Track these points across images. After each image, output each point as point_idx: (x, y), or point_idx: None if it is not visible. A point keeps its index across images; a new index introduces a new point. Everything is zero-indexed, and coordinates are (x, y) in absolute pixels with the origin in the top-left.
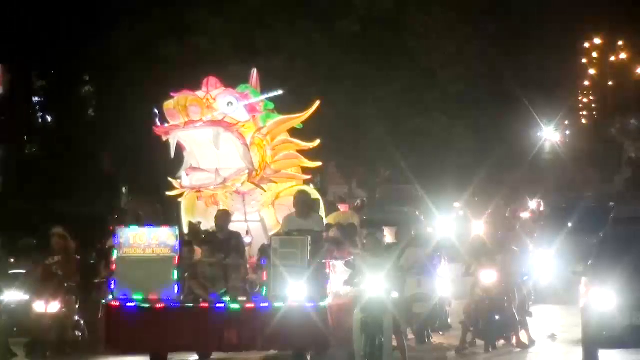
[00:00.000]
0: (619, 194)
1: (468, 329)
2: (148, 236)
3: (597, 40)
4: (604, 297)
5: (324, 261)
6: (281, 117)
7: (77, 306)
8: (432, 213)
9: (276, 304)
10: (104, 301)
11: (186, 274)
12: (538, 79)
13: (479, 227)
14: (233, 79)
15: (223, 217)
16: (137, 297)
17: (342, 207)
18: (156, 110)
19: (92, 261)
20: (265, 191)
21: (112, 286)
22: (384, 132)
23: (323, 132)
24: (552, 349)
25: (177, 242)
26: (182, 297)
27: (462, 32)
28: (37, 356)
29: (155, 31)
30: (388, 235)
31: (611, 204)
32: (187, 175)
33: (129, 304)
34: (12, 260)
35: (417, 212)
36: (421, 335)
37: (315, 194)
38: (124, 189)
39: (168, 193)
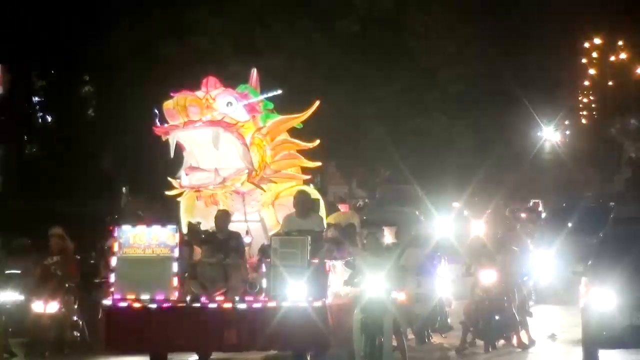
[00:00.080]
0: (619, 194)
1: (468, 329)
2: (148, 236)
3: (597, 40)
4: (604, 297)
5: (324, 261)
6: (281, 117)
7: (75, 306)
8: (432, 213)
9: (276, 304)
10: (104, 301)
11: (186, 274)
12: (538, 79)
13: (479, 227)
14: (233, 79)
15: (223, 217)
16: (137, 297)
17: (342, 207)
18: (156, 110)
19: (92, 261)
20: (265, 191)
21: (112, 286)
22: (384, 132)
23: (323, 132)
24: (552, 349)
25: (177, 242)
26: (181, 297)
27: (462, 32)
28: (36, 356)
29: (155, 31)
30: (388, 235)
31: (611, 204)
32: (187, 175)
33: (129, 304)
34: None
35: (417, 212)
36: (421, 336)
37: (315, 194)
38: (124, 189)
39: (167, 193)
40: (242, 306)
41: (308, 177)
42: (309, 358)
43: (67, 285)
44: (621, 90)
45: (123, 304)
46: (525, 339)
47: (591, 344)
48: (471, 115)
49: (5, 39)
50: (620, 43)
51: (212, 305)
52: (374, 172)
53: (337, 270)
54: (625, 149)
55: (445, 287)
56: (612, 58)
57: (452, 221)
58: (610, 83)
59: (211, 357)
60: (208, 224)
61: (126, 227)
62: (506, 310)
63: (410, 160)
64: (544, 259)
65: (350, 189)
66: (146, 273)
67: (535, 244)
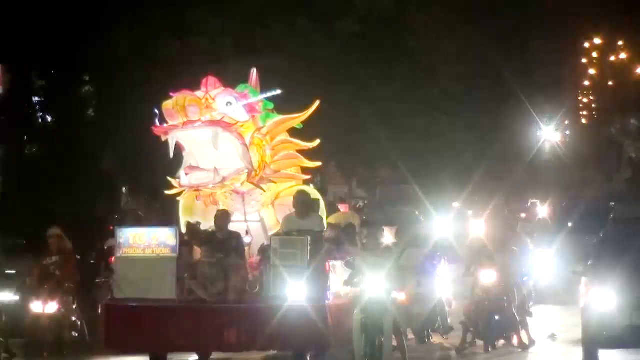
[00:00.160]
0: (619, 194)
1: (468, 329)
2: (148, 236)
3: (597, 40)
4: (604, 297)
5: (323, 261)
6: (281, 117)
7: (74, 306)
8: (432, 213)
9: (276, 304)
10: (103, 301)
11: (186, 274)
12: (538, 79)
13: (479, 227)
14: (233, 79)
15: (223, 217)
16: (137, 297)
17: (342, 207)
18: (156, 110)
19: (92, 261)
20: (264, 191)
21: (112, 286)
22: (384, 132)
23: (323, 132)
24: (552, 349)
25: (177, 242)
26: (181, 297)
27: (462, 32)
28: (35, 357)
29: (155, 31)
30: (388, 235)
31: (611, 204)
32: (186, 174)
33: (129, 304)
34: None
35: (416, 212)
36: (421, 336)
37: (315, 194)
38: (124, 189)
39: (167, 192)
40: (242, 306)
41: (308, 177)
42: (309, 358)
43: (66, 285)
44: (621, 90)
45: (123, 304)
46: (525, 339)
47: (591, 344)
48: (471, 115)
49: (5, 39)
50: (620, 43)
51: (212, 305)
52: (374, 172)
53: (337, 270)
54: (625, 149)
55: (445, 287)
56: (612, 58)
57: (451, 221)
58: (610, 83)
59: (211, 357)
60: (208, 224)
61: (126, 227)
62: (506, 311)
63: (410, 160)
64: (544, 258)
65: (350, 189)
66: (146, 273)
67: (535, 244)
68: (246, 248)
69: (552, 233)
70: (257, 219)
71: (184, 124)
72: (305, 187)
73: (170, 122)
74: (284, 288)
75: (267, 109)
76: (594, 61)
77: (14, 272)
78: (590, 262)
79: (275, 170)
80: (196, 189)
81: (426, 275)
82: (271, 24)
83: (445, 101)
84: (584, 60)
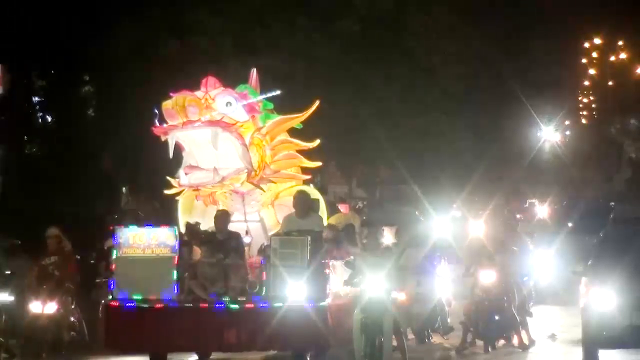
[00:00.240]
0: (619, 194)
1: (468, 329)
2: (147, 236)
3: (597, 40)
4: (604, 297)
5: (323, 261)
6: (281, 117)
7: (72, 307)
8: (431, 213)
9: (276, 304)
10: (103, 301)
11: (186, 274)
12: (538, 79)
13: (478, 227)
14: (233, 79)
15: (222, 217)
16: (137, 297)
17: (342, 208)
18: (155, 110)
19: (92, 261)
20: (264, 191)
21: (112, 286)
22: (384, 132)
23: (323, 132)
24: (552, 349)
25: (177, 242)
26: (181, 297)
27: (462, 32)
28: (33, 357)
29: (155, 31)
30: (388, 235)
31: (611, 204)
32: (186, 174)
33: (128, 304)
34: None
35: (416, 212)
36: (421, 336)
37: (315, 194)
38: (124, 189)
39: (166, 191)
40: (242, 306)
41: (308, 177)
42: (308, 358)
43: (65, 285)
44: (621, 90)
45: (123, 304)
46: (525, 339)
47: (591, 344)
48: (471, 115)
49: (5, 39)
50: (620, 43)
51: (212, 305)
52: (374, 172)
53: (337, 270)
54: (625, 149)
55: (445, 287)
56: (612, 58)
57: (450, 221)
58: (610, 83)
59: (211, 357)
60: (207, 224)
61: (126, 227)
62: (506, 311)
63: (409, 160)
64: (544, 258)
65: (350, 189)
66: (146, 273)
67: (535, 244)
68: (246, 248)
69: (552, 233)
70: (256, 219)
71: (184, 124)
72: (305, 187)
73: (170, 122)
74: (283, 288)
75: (267, 109)
76: (594, 61)
77: (8, 272)
78: (590, 262)
79: (275, 170)
80: (195, 188)
81: (426, 275)
82: (271, 24)
83: (445, 101)
84: (584, 60)
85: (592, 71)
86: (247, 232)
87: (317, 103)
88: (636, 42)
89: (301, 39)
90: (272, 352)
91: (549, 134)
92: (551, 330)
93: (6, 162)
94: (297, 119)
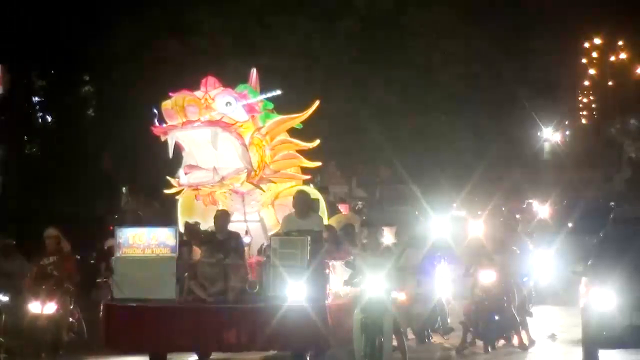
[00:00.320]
0: (619, 194)
1: (468, 329)
2: (147, 236)
3: (597, 40)
4: (604, 297)
5: (323, 261)
6: (280, 117)
7: (71, 307)
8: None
9: (276, 304)
10: (103, 301)
11: (185, 274)
12: (538, 79)
13: (478, 227)
14: (232, 79)
15: (222, 217)
16: (137, 297)
17: (342, 208)
18: (155, 110)
19: (92, 261)
20: (264, 191)
21: (112, 286)
22: (384, 132)
23: (323, 132)
24: (552, 349)
25: (176, 242)
26: (181, 297)
27: (462, 32)
28: (32, 357)
29: (155, 31)
30: (388, 235)
31: (611, 204)
32: (186, 173)
33: (128, 304)
34: None
35: (416, 212)
36: (421, 336)
37: (315, 194)
38: (124, 189)
39: (166, 191)
40: (241, 306)
41: (308, 177)
42: (308, 358)
43: (65, 286)
44: (621, 90)
45: (123, 304)
46: (525, 339)
47: (591, 344)
48: (471, 115)
49: (5, 39)
50: (620, 43)
51: (212, 305)
52: (374, 171)
53: (337, 270)
54: (625, 149)
55: (445, 287)
56: (612, 58)
57: (450, 221)
58: (610, 83)
59: (211, 357)
60: (207, 224)
61: (126, 227)
62: (506, 311)
63: (409, 160)
64: (544, 258)
65: (350, 189)
66: (146, 273)
67: (535, 244)
68: (246, 248)
69: (552, 233)
70: (256, 219)
71: (183, 124)
72: (305, 187)
73: (170, 122)
74: (283, 288)
75: (267, 109)
76: (594, 61)
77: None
78: (590, 262)
79: (274, 170)
80: (195, 188)
81: (426, 275)
82: (271, 24)
83: (445, 101)
84: (584, 60)
85: (592, 71)
86: (247, 232)
87: (317, 103)
88: (636, 42)
89: (301, 39)
90: (272, 352)
91: (549, 134)
92: (551, 330)
93: (6, 162)
94: (297, 119)
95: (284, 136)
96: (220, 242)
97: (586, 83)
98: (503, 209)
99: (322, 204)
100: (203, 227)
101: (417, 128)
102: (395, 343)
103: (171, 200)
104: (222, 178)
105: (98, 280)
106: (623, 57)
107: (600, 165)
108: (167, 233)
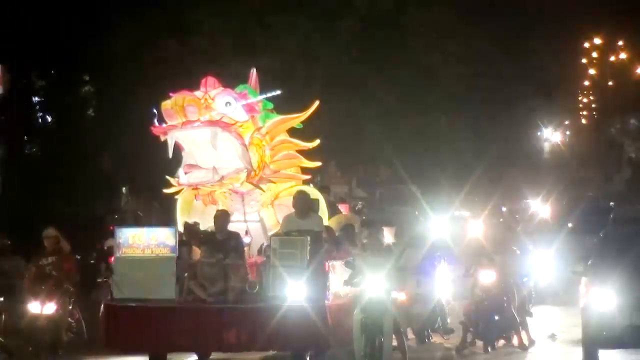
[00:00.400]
0: (619, 194)
1: (468, 329)
2: (147, 236)
3: (597, 40)
4: (604, 297)
5: (323, 261)
6: (280, 117)
7: (70, 307)
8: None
9: (276, 304)
10: (104, 301)
11: (185, 274)
12: (538, 79)
13: (477, 228)
14: (232, 79)
15: (222, 217)
16: (137, 297)
17: (342, 208)
18: (154, 110)
19: (92, 261)
20: (263, 191)
21: (112, 286)
22: (384, 132)
23: (323, 132)
24: (552, 349)
25: (176, 242)
26: (181, 297)
27: (462, 32)
28: (32, 357)
29: (155, 31)
30: (388, 235)
31: (611, 204)
32: (185, 173)
33: (128, 304)
34: None
35: (416, 212)
36: (421, 335)
37: (315, 194)
38: (124, 189)
39: (165, 190)
40: (241, 306)
41: (308, 177)
42: (308, 358)
43: (64, 286)
44: (621, 90)
45: (122, 304)
46: (525, 339)
47: (591, 344)
48: (471, 115)
49: (5, 39)
50: (620, 43)
51: (212, 306)
52: (374, 171)
53: (337, 270)
54: (625, 149)
55: (445, 287)
56: (612, 58)
57: (449, 221)
58: (610, 83)
59: (211, 357)
60: (206, 224)
61: (125, 227)
62: (506, 311)
63: (409, 160)
64: (544, 259)
65: (350, 189)
66: (145, 273)
67: (534, 244)
68: (245, 248)
69: (552, 233)
70: (256, 219)
71: (183, 124)
72: (305, 187)
73: (169, 122)
74: (283, 288)
75: (267, 109)
76: (594, 61)
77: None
78: (590, 262)
79: (274, 170)
80: (195, 187)
81: (426, 275)
82: (271, 24)
83: (445, 101)
84: (584, 60)
85: (592, 71)
86: (246, 232)
87: (317, 103)
88: (636, 42)
89: (301, 39)
90: (271, 352)
91: (549, 134)
92: (551, 330)
93: (6, 162)
94: (297, 119)
95: (284, 136)
96: (220, 242)
97: (586, 83)
98: (503, 209)
99: (323, 204)
100: (202, 227)
101: (417, 128)
102: (395, 343)
103: (171, 200)
104: (222, 177)
105: (98, 280)
106: (623, 57)
107: (600, 165)
108: (167, 233)
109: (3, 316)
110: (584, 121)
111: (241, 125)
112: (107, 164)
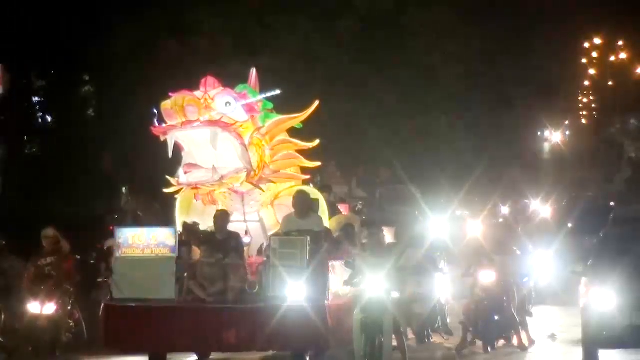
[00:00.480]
0: (619, 194)
1: (468, 329)
2: (147, 236)
3: (597, 40)
4: (604, 297)
5: (323, 261)
6: (280, 117)
7: (69, 307)
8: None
9: (276, 304)
10: (104, 301)
11: (185, 274)
12: (538, 79)
13: (477, 228)
14: (232, 79)
15: (222, 217)
16: (136, 297)
17: (343, 208)
18: (154, 110)
19: (92, 261)
20: (263, 191)
21: (112, 286)
22: (384, 132)
23: (323, 132)
24: (552, 349)
25: (176, 242)
26: (181, 297)
27: (462, 32)
28: (32, 357)
29: (155, 31)
30: (388, 235)
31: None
32: (185, 172)
33: (128, 304)
34: None
35: (416, 212)
36: (421, 335)
37: (315, 194)
38: (124, 189)
39: (165, 190)
40: (241, 306)
41: (308, 177)
42: (308, 358)
43: (64, 286)
44: (621, 90)
45: (122, 304)
46: (525, 339)
47: (591, 344)
48: (471, 115)
49: (5, 39)
50: (620, 43)
51: (212, 306)
52: (374, 172)
53: (337, 270)
54: (625, 149)
55: (444, 287)
56: (612, 58)
57: (449, 221)
58: (610, 83)
59: (211, 357)
60: (206, 224)
61: (125, 227)
62: (505, 311)
63: (409, 160)
64: (544, 259)
65: (350, 189)
66: (145, 273)
67: (534, 245)
68: (245, 248)
69: (552, 233)
70: (256, 219)
71: (183, 124)
72: (305, 187)
73: (169, 122)
74: (283, 288)
75: (267, 109)
76: (594, 61)
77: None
78: (590, 262)
79: (274, 170)
80: (194, 187)
81: (426, 275)
82: (271, 24)
83: (445, 101)
84: (584, 60)
85: (592, 71)
86: (246, 232)
87: (317, 103)
88: (636, 42)
89: (301, 39)
90: (271, 352)
91: (549, 134)
92: (551, 330)
93: (6, 162)
94: (297, 119)
95: (284, 136)
96: (220, 242)
97: (586, 83)
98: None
99: (323, 204)
100: (202, 227)
101: (417, 128)
102: (395, 343)
103: (171, 201)
104: (222, 177)
105: (98, 280)
106: (623, 57)
107: (600, 165)
108: (167, 233)
109: (2, 316)
110: (584, 121)
111: (241, 125)
112: (107, 164)
